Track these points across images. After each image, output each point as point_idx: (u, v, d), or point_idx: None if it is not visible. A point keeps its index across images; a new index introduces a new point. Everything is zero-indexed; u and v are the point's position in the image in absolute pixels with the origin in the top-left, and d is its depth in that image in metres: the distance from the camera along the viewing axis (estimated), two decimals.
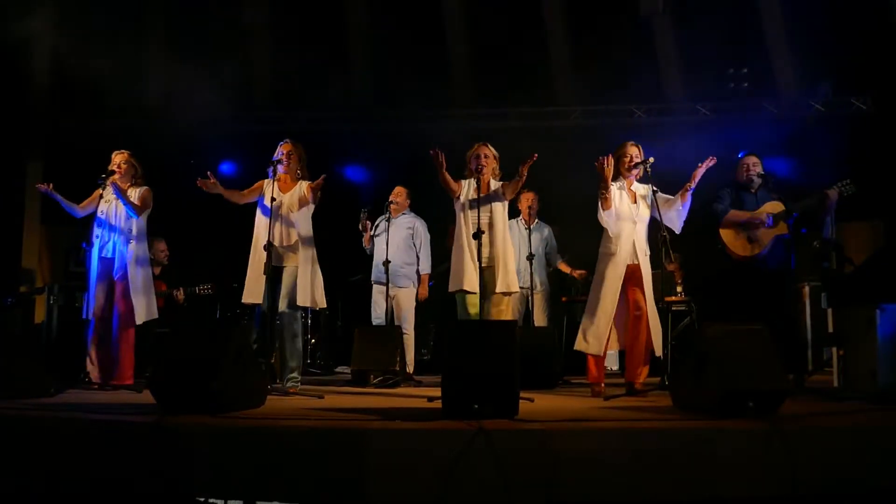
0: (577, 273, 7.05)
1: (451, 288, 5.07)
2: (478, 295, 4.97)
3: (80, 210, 5.37)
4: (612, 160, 4.69)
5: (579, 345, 4.86)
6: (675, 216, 4.86)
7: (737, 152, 5.54)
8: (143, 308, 5.22)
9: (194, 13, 8.47)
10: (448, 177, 5.05)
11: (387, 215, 6.48)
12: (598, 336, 4.75)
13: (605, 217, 4.75)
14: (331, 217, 5.62)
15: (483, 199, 4.96)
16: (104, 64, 7.29)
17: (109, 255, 5.27)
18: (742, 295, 5.23)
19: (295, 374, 4.91)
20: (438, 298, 5.27)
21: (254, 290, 4.87)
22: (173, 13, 8.94)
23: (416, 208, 6.72)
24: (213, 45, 7.88)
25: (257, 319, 4.83)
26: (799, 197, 5.27)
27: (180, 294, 6.92)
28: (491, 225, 5.03)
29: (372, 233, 6.53)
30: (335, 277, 8.25)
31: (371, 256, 6.64)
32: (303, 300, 4.86)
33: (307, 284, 4.89)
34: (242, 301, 4.96)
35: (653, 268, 4.92)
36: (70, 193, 5.37)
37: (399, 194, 6.59)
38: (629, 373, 4.82)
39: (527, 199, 6.71)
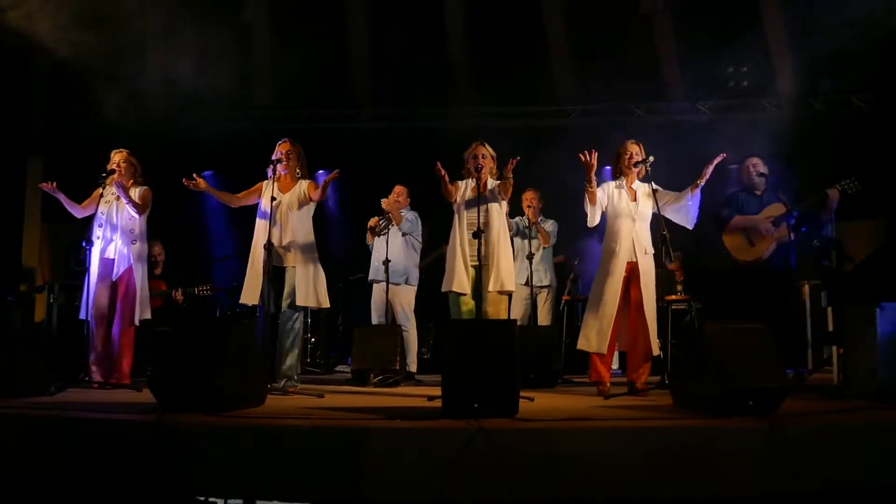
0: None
1: (444, 288, 5.07)
2: (468, 296, 4.98)
3: (82, 210, 5.36)
4: (595, 154, 4.64)
5: (582, 344, 4.82)
6: (686, 212, 4.79)
7: (737, 151, 5.53)
8: (139, 309, 5.25)
9: (194, 10, 8.45)
10: (450, 187, 5.06)
11: (388, 215, 6.39)
12: (601, 334, 4.72)
13: (589, 210, 4.77)
14: (331, 216, 5.60)
15: (481, 199, 4.95)
16: (104, 61, 7.26)
17: (111, 256, 5.26)
18: (743, 295, 5.23)
19: (294, 374, 4.91)
20: (438, 298, 5.25)
21: (251, 291, 4.87)
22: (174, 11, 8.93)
23: (418, 207, 6.69)
24: (212, 43, 7.86)
25: (260, 319, 4.81)
26: (801, 197, 5.27)
27: (179, 294, 6.93)
28: (487, 224, 4.99)
29: (378, 230, 6.44)
30: (335, 276, 8.27)
31: (369, 254, 6.61)
32: (304, 300, 4.85)
33: (309, 284, 4.88)
34: (240, 301, 4.95)
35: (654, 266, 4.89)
36: (70, 191, 5.35)
37: (401, 193, 6.55)
38: (630, 372, 4.81)
39: (527, 198, 6.69)
